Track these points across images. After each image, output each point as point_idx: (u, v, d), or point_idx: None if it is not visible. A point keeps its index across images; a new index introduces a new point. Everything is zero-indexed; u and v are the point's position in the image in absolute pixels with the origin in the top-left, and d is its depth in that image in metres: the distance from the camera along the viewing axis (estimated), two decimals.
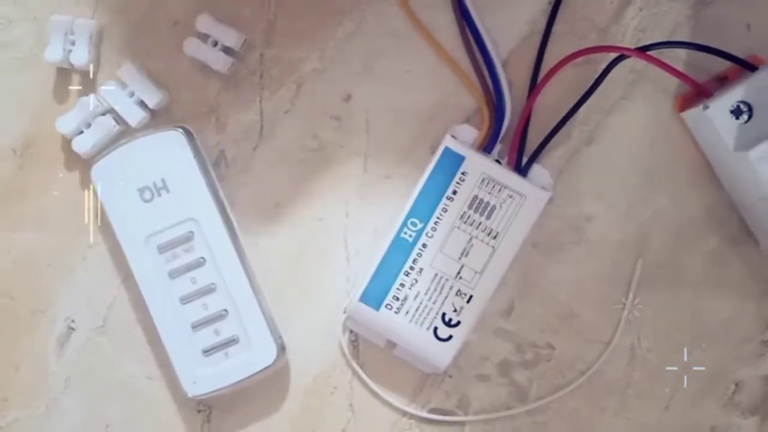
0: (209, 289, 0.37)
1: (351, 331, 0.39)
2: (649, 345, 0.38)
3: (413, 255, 0.37)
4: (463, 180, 0.37)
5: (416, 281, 0.37)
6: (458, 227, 0.37)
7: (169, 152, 0.37)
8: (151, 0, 0.39)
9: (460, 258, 0.37)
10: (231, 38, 0.38)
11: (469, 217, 0.37)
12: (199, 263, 0.37)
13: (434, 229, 0.37)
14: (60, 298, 0.40)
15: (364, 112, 0.39)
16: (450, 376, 0.38)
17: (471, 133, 0.38)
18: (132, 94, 0.38)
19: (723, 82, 0.37)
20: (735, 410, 0.39)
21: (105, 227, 0.39)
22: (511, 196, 0.37)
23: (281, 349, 0.37)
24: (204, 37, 0.38)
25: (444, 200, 0.37)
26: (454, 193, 0.37)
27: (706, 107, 0.35)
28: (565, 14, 0.37)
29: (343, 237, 0.39)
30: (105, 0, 0.39)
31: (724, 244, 0.38)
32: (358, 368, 0.39)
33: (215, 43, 0.38)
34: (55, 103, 0.40)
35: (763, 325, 0.38)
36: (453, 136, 0.37)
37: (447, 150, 0.37)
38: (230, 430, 0.40)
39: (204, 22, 0.38)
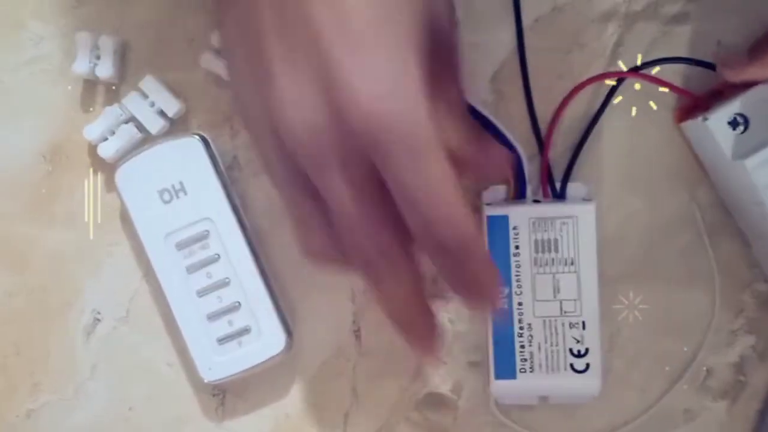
0: (223, 283, 0.38)
1: (354, 322, 0.40)
2: (628, 334, 0.39)
3: (516, 317, 0.37)
4: (517, 234, 0.37)
5: (531, 336, 0.37)
6: (538, 273, 0.37)
7: (186, 157, 0.38)
8: (170, 18, 0.39)
9: (555, 296, 0.37)
10: None
11: (541, 260, 0.37)
12: (214, 259, 0.38)
13: (519, 286, 0.37)
14: (87, 291, 0.40)
15: None
16: (444, 363, 0.39)
17: (501, 191, 0.38)
18: (153, 104, 0.39)
19: (717, 95, 0.37)
20: (707, 394, 0.39)
21: (128, 226, 0.40)
22: (564, 223, 0.36)
23: (290, 338, 0.38)
24: (218, 52, 0.38)
25: (513, 259, 0.37)
26: (517, 248, 0.37)
27: (706, 119, 0.35)
28: (550, 30, 0.38)
29: None
30: (128, 18, 0.39)
31: (697, 241, 0.39)
32: (360, 356, 0.40)
33: None
34: (82, 113, 0.40)
35: (732, 316, 0.39)
36: (488, 204, 0.37)
37: (490, 218, 0.37)
38: (242, 413, 0.40)
39: (218, 38, 0.38)
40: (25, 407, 0.40)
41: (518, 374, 0.36)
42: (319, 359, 0.40)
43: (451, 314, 0.39)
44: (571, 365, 0.36)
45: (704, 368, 0.39)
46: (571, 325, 0.36)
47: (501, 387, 0.37)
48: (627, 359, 0.39)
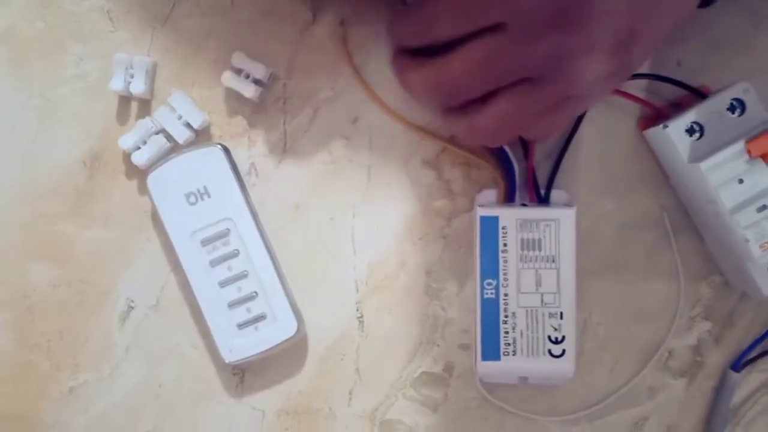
0: (242, 275, 0.39)
1: (357, 309, 0.41)
2: (599, 320, 0.40)
3: (501, 306, 0.38)
4: (506, 233, 0.38)
5: (515, 324, 0.38)
6: (523, 268, 0.38)
7: (210, 164, 0.39)
8: (195, 40, 0.40)
9: (537, 289, 0.38)
10: (260, 72, 0.39)
11: (526, 257, 0.38)
12: (234, 254, 0.39)
13: (506, 279, 0.38)
14: (122, 282, 0.42)
15: (368, 132, 0.40)
16: (437, 345, 0.41)
17: (493, 195, 0.40)
18: (180, 117, 0.40)
19: (677, 107, 0.39)
20: (668, 373, 0.41)
21: (158, 225, 0.41)
22: (547, 225, 0.38)
23: (301, 323, 0.40)
24: (238, 71, 0.40)
25: (501, 255, 0.38)
26: (505, 245, 0.38)
27: (666, 126, 0.37)
28: None
29: (350, 233, 0.41)
30: (158, 41, 0.40)
31: (661, 238, 0.40)
32: (363, 339, 0.41)
33: (247, 76, 0.39)
34: (118, 125, 0.41)
35: (690, 304, 0.40)
36: (480, 205, 0.39)
37: (482, 218, 0.38)
38: (259, 389, 0.41)
39: (238, 59, 0.39)
40: (68, 385, 0.42)
41: (502, 356, 0.38)
42: (327, 342, 0.41)
43: (443, 302, 0.41)
44: (549, 351, 0.38)
45: (666, 350, 0.41)
46: (550, 315, 0.38)
47: (486, 367, 0.38)
48: (598, 342, 0.41)
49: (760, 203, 0.36)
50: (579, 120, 0.40)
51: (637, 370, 0.41)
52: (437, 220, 0.41)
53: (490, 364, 0.38)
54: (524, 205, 0.39)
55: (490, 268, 0.38)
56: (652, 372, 0.41)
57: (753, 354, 0.40)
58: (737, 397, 0.41)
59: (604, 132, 0.40)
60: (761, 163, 0.36)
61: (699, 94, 0.38)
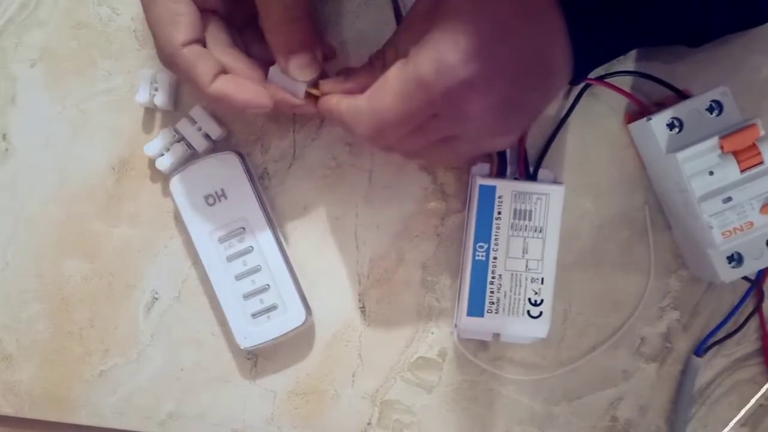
0: (256, 269, 0.40)
1: (360, 300, 0.41)
2: (578, 310, 0.42)
3: (490, 267, 0.39)
4: (501, 202, 0.39)
5: (500, 285, 0.39)
6: (513, 235, 0.39)
7: (226, 169, 0.40)
8: None
9: (523, 255, 0.39)
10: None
11: (517, 225, 0.39)
12: (249, 250, 0.40)
13: (497, 244, 0.39)
14: (147, 276, 0.43)
15: None
16: (432, 333, 0.42)
17: (486, 168, 0.41)
18: (200, 129, 0.41)
19: (660, 106, 0.40)
20: (640, 358, 0.42)
21: (180, 224, 0.42)
22: (539, 198, 0.39)
23: (308, 313, 0.40)
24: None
25: (494, 221, 0.39)
26: (499, 213, 0.39)
27: (650, 119, 0.38)
28: None
29: (353, 231, 0.42)
30: None
31: (634, 236, 0.41)
32: (365, 327, 0.42)
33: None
34: (143, 134, 0.42)
35: (660, 295, 0.42)
36: (479, 176, 0.40)
37: (482, 186, 0.39)
38: (271, 372, 0.43)
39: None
40: (98, 368, 0.43)
41: (486, 314, 0.39)
42: (332, 330, 0.42)
43: (437, 294, 0.42)
44: (528, 312, 0.39)
45: (639, 337, 0.42)
46: (533, 280, 0.39)
47: (470, 323, 0.39)
48: (577, 329, 0.42)
49: (725, 195, 0.37)
50: (569, 110, 0.40)
51: (611, 353, 0.42)
52: (432, 219, 0.42)
53: (474, 320, 0.39)
54: (516, 179, 0.40)
55: (484, 233, 0.39)
56: (626, 356, 0.42)
57: (713, 339, 0.41)
58: (704, 379, 0.42)
59: (591, 123, 0.41)
60: (731, 159, 0.37)
61: (682, 95, 0.40)
